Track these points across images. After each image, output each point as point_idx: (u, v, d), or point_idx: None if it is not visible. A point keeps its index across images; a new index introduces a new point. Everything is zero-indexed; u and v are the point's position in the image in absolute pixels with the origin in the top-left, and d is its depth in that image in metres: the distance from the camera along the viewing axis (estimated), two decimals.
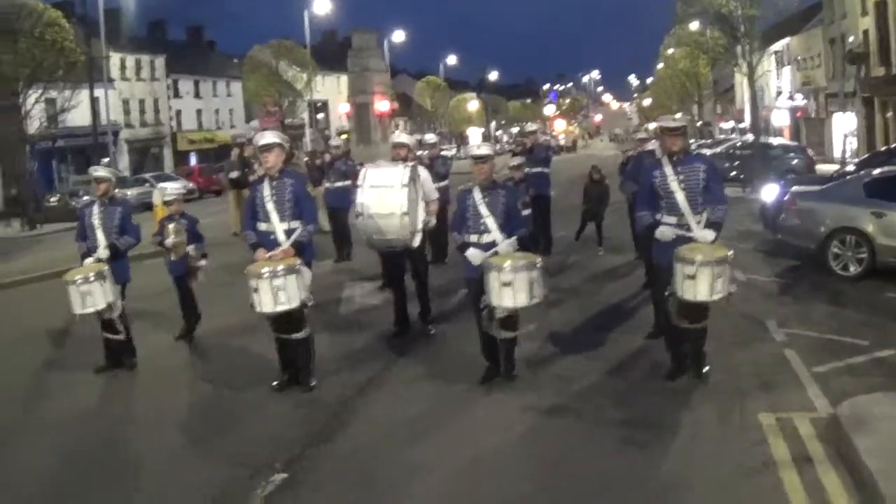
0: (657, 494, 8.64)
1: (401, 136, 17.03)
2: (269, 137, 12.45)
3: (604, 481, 9.01)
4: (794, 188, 22.16)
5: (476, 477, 9.34)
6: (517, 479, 9.20)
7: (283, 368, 12.52)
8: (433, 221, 15.06)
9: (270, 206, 12.14)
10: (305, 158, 26.44)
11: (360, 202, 14.05)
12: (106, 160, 53.89)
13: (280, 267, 11.61)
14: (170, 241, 15.43)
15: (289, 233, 12.12)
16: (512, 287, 11.45)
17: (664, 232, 11.58)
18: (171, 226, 15.55)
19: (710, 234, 11.35)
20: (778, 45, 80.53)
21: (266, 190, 12.24)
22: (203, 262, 15.71)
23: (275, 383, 12.47)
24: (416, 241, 14.59)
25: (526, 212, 14.22)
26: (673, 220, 11.59)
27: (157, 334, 16.14)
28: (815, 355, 12.89)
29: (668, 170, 11.64)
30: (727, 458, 9.38)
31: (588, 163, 25.84)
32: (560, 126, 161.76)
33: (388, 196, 13.88)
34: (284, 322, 12.13)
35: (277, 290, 11.57)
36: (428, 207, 14.94)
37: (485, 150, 12.67)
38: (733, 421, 10.44)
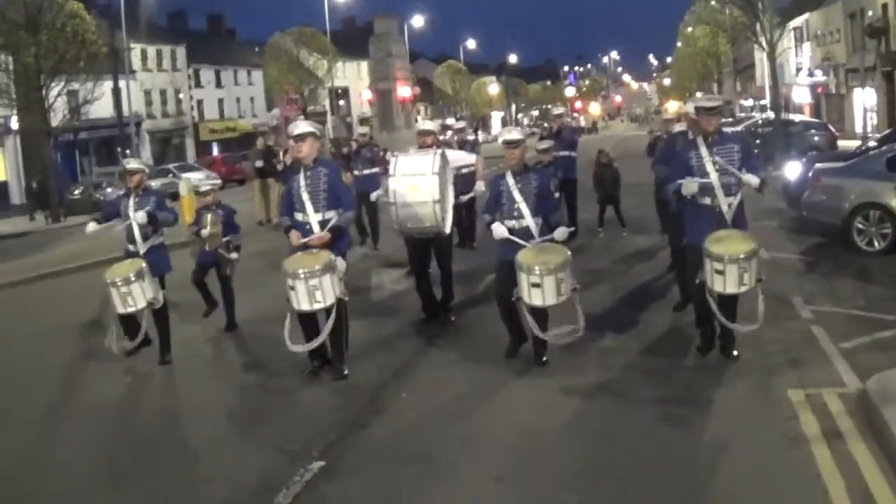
0: (699, 468, 8.74)
1: (426, 124, 17.08)
2: (302, 127, 12.49)
3: (648, 457, 9.12)
4: (817, 165, 22.14)
5: (523, 455, 9.46)
6: (566, 457, 9.33)
7: (312, 356, 12.62)
8: (482, 187, 15.07)
9: (305, 197, 12.24)
10: (330, 147, 26.50)
11: (393, 190, 14.07)
12: (127, 152, 54.09)
13: (317, 266, 11.72)
14: (206, 231, 15.57)
15: (323, 223, 12.20)
16: (541, 288, 11.65)
17: (688, 186, 11.60)
18: (208, 216, 15.71)
19: (755, 179, 11.39)
20: (797, 21, 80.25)
21: (301, 180, 12.33)
22: (234, 255, 15.82)
23: (307, 370, 12.62)
24: (448, 229, 14.71)
25: (556, 195, 14.26)
26: (707, 200, 11.66)
27: (185, 324, 16.26)
28: (842, 331, 12.93)
29: (704, 150, 11.69)
30: (760, 433, 9.47)
31: (608, 145, 25.84)
32: (594, 109, 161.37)
33: (420, 184, 13.93)
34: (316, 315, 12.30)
35: (314, 290, 11.72)
36: (476, 173, 15.05)
37: (516, 134, 12.70)
38: (764, 397, 10.53)
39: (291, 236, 12.28)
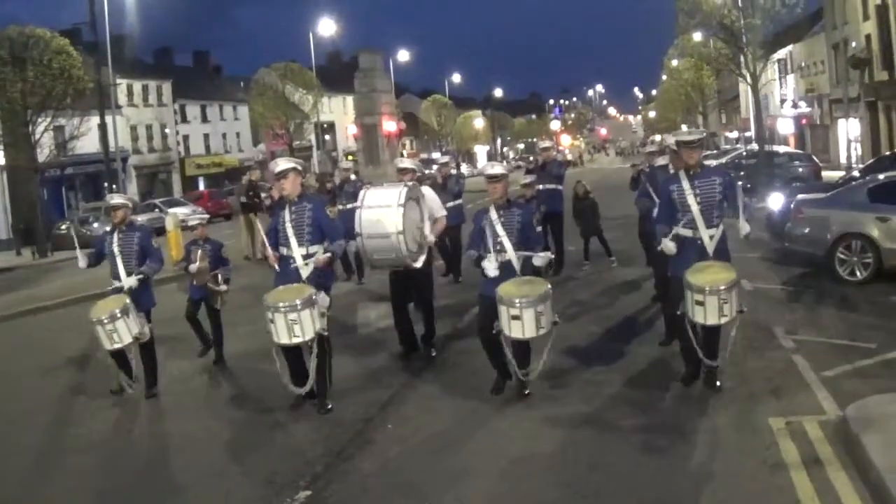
0: (682, 495, 8.87)
1: (405, 162, 17.02)
2: (283, 164, 12.63)
3: (631, 486, 9.22)
4: (800, 196, 22.29)
5: (508, 486, 9.54)
6: (550, 486, 9.39)
7: (296, 386, 12.60)
8: (432, 238, 15.07)
9: (290, 231, 12.36)
10: (315, 183, 26.57)
11: (358, 222, 14.20)
12: (113, 187, 54.11)
13: (297, 301, 11.79)
14: (194, 266, 15.67)
15: (306, 257, 12.32)
16: (521, 320, 11.74)
17: (667, 245, 11.85)
18: (198, 252, 15.81)
19: (746, 226, 11.72)
20: (781, 53, 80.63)
21: (287, 215, 12.44)
22: (223, 287, 15.90)
23: (292, 403, 12.70)
24: (419, 263, 14.68)
25: (538, 228, 14.34)
26: (689, 233, 11.82)
27: (175, 358, 16.37)
28: (823, 360, 13.10)
29: (686, 183, 11.86)
30: (741, 461, 9.59)
31: (593, 178, 25.96)
32: (566, 141, 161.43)
33: (384, 216, 14.01)
34: (299, 350, 12.40)
35: (293, 324, 11.80)
36: (434, 226, 15.07)
37: (498, 169, 12.76)
38: (745, 426, 10.64)
39: (270, 258, 12.58)
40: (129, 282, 13.84)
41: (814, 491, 8.69)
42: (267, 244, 12.92)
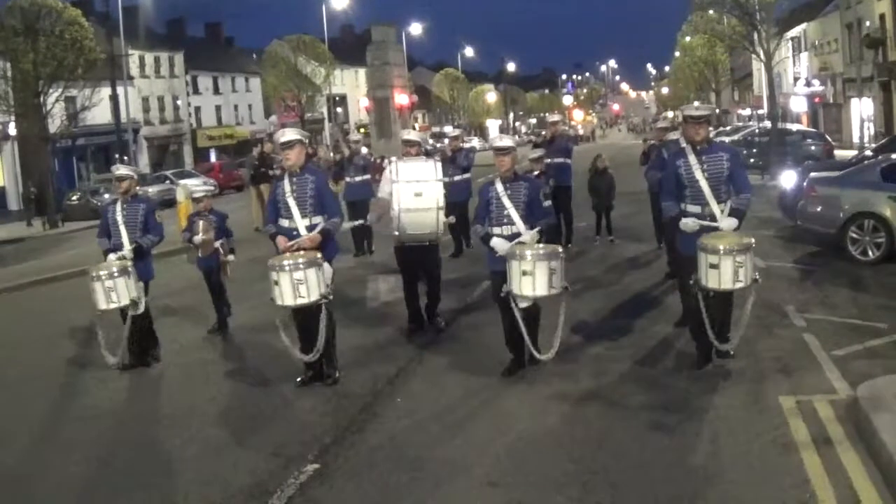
0: (690, 474, 8.82)
1: (411, 134, 16.90)
2: (290, 134, 12.49)
3: (639, 463, 9.20)
4: (813, 174, 22.20)
5: (516, 460, 9.51)
6: (558, 462, 9.37)
7: (307, 365, 12.59)
8: (452, 218, 14.97)
9: (291, 202, 12.24)
10: (331, 153, 26.44)
11: (397, 198, 13.95)
12: (125, 158, 54.15)
13: (301, 260, 11.69)
14: (199, 237, 15.65)
15: (310, 228, 12.22)
16: (532, 276, 11.56)
17: (688, 223, 11.69)
18: (200, 222, 15.77)
19: (733, 222, 11.47)
20: (795, 31, 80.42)
21: (287, 186, 12.32)
22: (231, 258, 15.94)
23: (298, 379, 12.61)
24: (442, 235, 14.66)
25: (546, 203, 14.22)
26: (697, 209, 11.71)
27: (182, 330, 16.44)
28: (834, 339, 13.04)
29: (692, 158, 11.74)
30: (750, 439, 9.55)
31: (605, 154, 25.77)
32: (579, 116, 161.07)
33: (425, 190, 13.91)
34: (307, 316, 12.27)
35: (298, 284, 11.65)
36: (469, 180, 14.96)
37: (507, 141, 12.66)
38: (755, 404, 10.61)
39: (279, 241, 12.29)
40: (125, 252, 13.82)
41: (823, 470, 8.64)
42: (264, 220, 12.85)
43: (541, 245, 11.96)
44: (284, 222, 12.39)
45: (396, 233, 14.11)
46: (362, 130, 60.43)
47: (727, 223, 11.45)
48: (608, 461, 9.28)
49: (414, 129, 45.84)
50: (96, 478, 9.93)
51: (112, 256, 13.96)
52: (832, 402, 10.47)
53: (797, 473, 8.64)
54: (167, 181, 58.06)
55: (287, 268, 11.66)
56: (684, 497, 8.35)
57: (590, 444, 9.81)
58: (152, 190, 49.35)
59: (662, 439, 9.77)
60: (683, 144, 12.72)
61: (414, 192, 13.89)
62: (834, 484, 8.36)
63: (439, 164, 14.35)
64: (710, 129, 12.53)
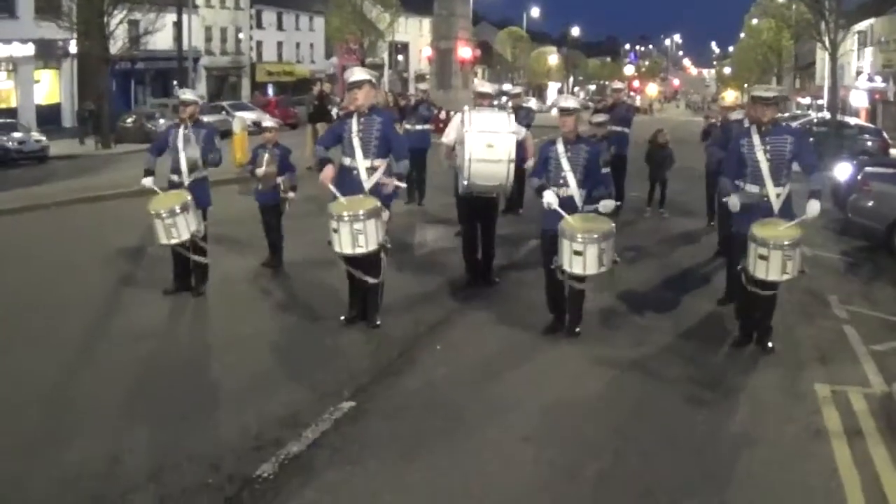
0: (720, 450, 8.90)
1: (484, 86, 16.85)
2: (359, 74, 12.52)
3: (672, 434, 9.29)
4: (867, 169, 22.09)
5: (550, 419, 9.61)
6: (591, 425, 9.48)
7: (352, 305, 12.72)
8: (532, 162, 14.95)
9: (356, 142, 12.22)
10: (391, 98, 26.34)
11: (469, 147, 13.71)
12: (185, 86, 54.34)
13: (361, 211, 11.73)
14: (261, 170, 15.70)
15: (370, 170, 12.23)
16: (583, 256, 11.63)
17: (732, 201, 11.74)
18: (265, 155, 15.81)
19: (815, 207, 11.19)
20: (862, 25, 79.56)
21: (354, 125, 12.27)
22: (292, 195, 15.93)
23: (342, 318, 12.69)
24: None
25: (605, 170, 14.16)
26: (755, 189, 11.65)
27: (230, 260, 16.49)
28: (873, 334, 13.05)
29: (756, 139, 11.66)
30: (783, 423, 9.63)
31: (663, 128, 25.70)
32: (653, 90, 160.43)
33: (496, 141, 13.70)
34: (360, 263, 12.31)
35: (357, 234, 11.72)
36: (526, 143, 14.97)
37: (572, 102, 12.56)
38: (791, 389, 10.66)
39: (326, 170, 12.29)
40: (189, 152, 13.97)
41: (852, 461, 8.70)
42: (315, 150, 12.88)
43: (594, 220, 11.96)
44: (346, 160, 12.38)
45: (465, 182, 13.99)
46: (427, 79, 60.23)
47: (812, 208, 11.16)
48: (641, 430, 9.36)
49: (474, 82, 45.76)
50: (133, 400, 10.06)
51: (149, 181, 14.20)
52: (867, 395, 10.53)
53: (826, 461, 8.70)
54: (223, 112, 58.11)
55: (347, 218, 11.71)
56: (712, 473, 8.42)
57: (624, 411, 9.89)
58: (208, 119, 49.25)
59: (696, 413, 9.83)
60: (748, 124, 12.68)
61: (486, 143, 13.70)
62: (861, 475, 8.41)
63: (512, 117, 14.23)
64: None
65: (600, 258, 11.66)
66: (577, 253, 11.63)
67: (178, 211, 13.49)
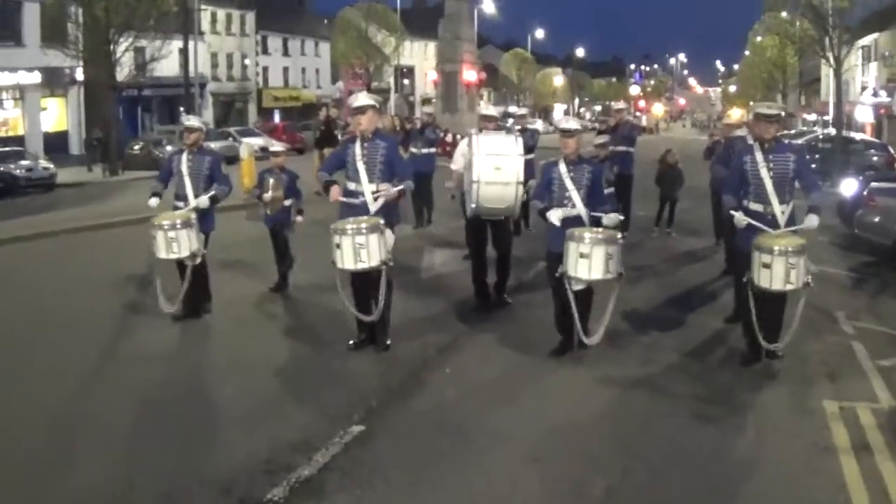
0: (728, 467, 8.91)
1: (489, 109, 16.97)
2: (363, 99, 12.54)
3: (679, 451, 9.30)
4: (873, 184, 22.08)
5: (558, 439, 9.63)
6: (599, 444, 9.51)
7: (360, 328, 12.74)
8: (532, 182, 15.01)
9: (361, 167, 12.26)
10: (396, 122, 26.48)
11: (477, 171, 13.81)
12: (190, 113, 54.47)
13: (363, 225, 11.75)
14: (268, 195, 15.78)
15: (375, 194, 12.28)
16: (589, 259, 11.59)
17: (737, 217, 11.75)
18: (271, 180, 15.89)
19: (814, 221, 11.37)
20: (866, 40, 79.51)
21: (358, 150, 12.32)
22: (299, 218, 16.04)
23: (351, 342, 12.71)
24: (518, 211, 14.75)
25: (608, 190, 14.19)
26: (759, 207, 11.70)
27: (238, 284, 16.59)
28: (881, 349, 13.03)
29: (759, 156, 11.71)
30: (791, 439, 9.62)
31: (669, 147, 25.84)
32: (659, 109, 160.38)
33: (504, 164, 13.81)
34: (365, 281, 12.34)
35: (359, 248, 11.72)
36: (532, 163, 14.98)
37: (573, 124, 12.61)
38: (799, 406, 10.65)
39: (333, 191, 12.27)
40: (201, 201, 13.97)
41: (861, 476, 8.68)
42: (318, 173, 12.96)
43: (601, 230, 11.97)
44: (351, 185, 12.41)
45: (473, 205, 14.04)
46: (432, 103, 60.34)
47: (810, 221, 11.37)
48: (649, 447, 9.38)
49: (479, 105, 45.88)
50: (143, 422, 10.11)
51: (154, 201, 14.25)
52: (875, 410, 10.50)
53: (834, 477, 8.69)
54: (230, 138, 58.28)
55: (349, 231, 11.72)
56: (720, 489, 8.44)
57: (632, 429, 9.91)
58: (215, 145, 49.32)
59: (704, 431, 9.85)
60: (751, 142, 12.72)
61: (494, 166, 13.80)
62: (870, 490, 8.40)
63: (520, 139, 14.32)
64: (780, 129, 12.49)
65: (607, 263, 11.64)
66: (584, 255, 11.61)
67: (179, 226, 13.60)
